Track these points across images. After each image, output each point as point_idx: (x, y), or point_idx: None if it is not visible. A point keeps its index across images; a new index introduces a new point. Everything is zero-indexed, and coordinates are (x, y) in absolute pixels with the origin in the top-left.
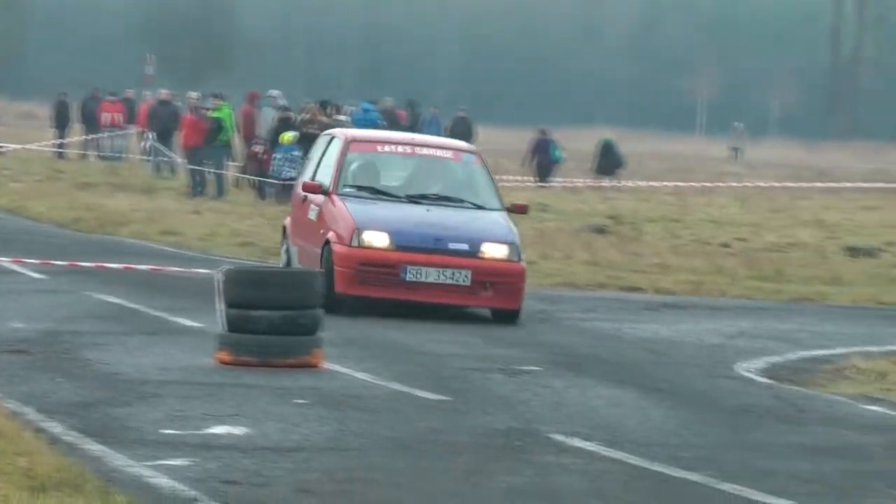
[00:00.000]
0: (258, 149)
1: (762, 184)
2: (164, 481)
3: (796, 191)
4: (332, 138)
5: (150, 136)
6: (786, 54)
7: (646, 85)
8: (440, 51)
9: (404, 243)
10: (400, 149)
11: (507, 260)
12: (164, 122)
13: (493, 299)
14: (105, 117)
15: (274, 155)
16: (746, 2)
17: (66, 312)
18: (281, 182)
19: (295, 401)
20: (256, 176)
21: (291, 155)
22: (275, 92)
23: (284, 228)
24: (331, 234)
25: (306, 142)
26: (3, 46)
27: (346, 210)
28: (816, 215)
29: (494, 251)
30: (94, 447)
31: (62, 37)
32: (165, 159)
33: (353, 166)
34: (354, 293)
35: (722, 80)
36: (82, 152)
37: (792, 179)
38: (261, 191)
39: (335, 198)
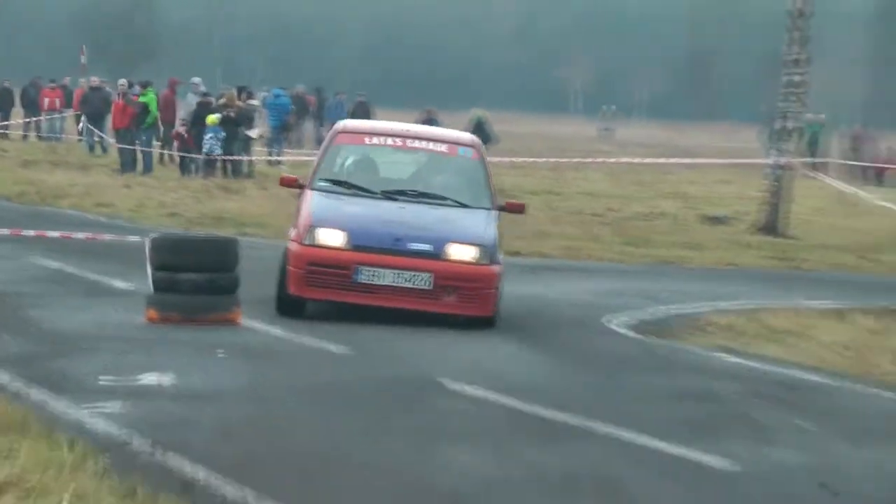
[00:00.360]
0: (181, 129)
1: (630, 160)
2: (100, 425)
3: (661, 167)
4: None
5: (83, 119)
6: (653, 44)
7: (527, 72)
8: (345, 42)
9: (361, 243)
10: (390, 141)
11: (476, 263)
12: (95, 107)
13: (459, 305)
14: (46, 102)
15: (205, 135)
16: None
17: (11, 276)
18: (208, 158)
19: (217, 353)
20: (179, 155)
21: (219, 135)
22: (196, 79)
23: None
24: (292, 231)
25: (224, 124)
26: None
27: (310, 205)
28: (678, 188)
29: (461, 253)
30: (37, 395)
31: (2, 28)
32: (98, 139)
33: (335, 158)
34: (306, 295)
35: (595, 67)
36: (24, 133)
37: (657, 157)
38: (183, 167)
39: (308, 192)
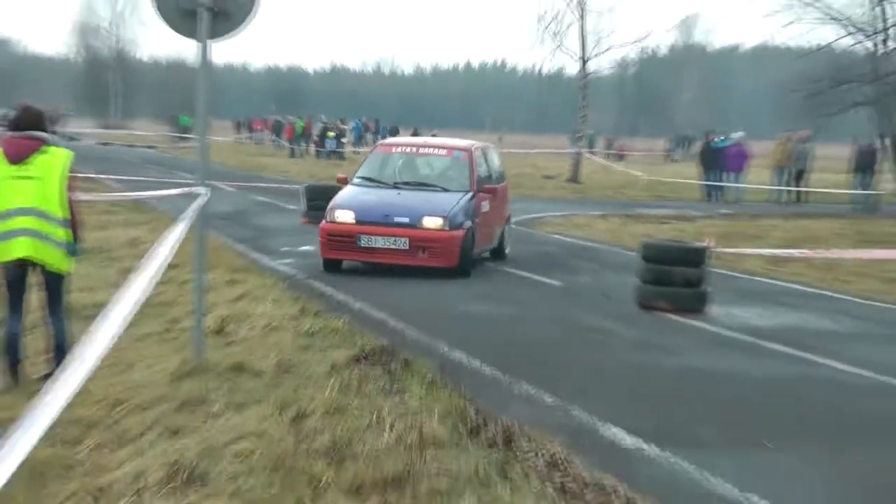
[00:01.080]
0: (316, 140)
1: (512, 150)
2: (283, 268)
3: (525, 154)
4: None
5: (272, 134)
6: (523, 94)
7: (463, 109)
8: (384, 100)
9: (362, 218)
10: (408, 150)
11: (440, 229)
12: (277, 128)
13: (430, 259)
14: (256, 126)
15: (327, 142)
16: (488, 81)
17: (241, 204)
18: (329, 151)
19: None
20: (316, 150)
21: (333, 142)
22: (322, 116)
23: None
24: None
25: (335, 137)
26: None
27: (338, 195)
28: (532, 163)
29: (431, 223)
30: (255, 255)
31: (223, 90)
32: (278, 143)
33: (371, 162)
34: (328, 256)
35: (497, 106)
36: (245, 142)
37: (525, 149)
38: (317, 156)
39: (347, 186)
